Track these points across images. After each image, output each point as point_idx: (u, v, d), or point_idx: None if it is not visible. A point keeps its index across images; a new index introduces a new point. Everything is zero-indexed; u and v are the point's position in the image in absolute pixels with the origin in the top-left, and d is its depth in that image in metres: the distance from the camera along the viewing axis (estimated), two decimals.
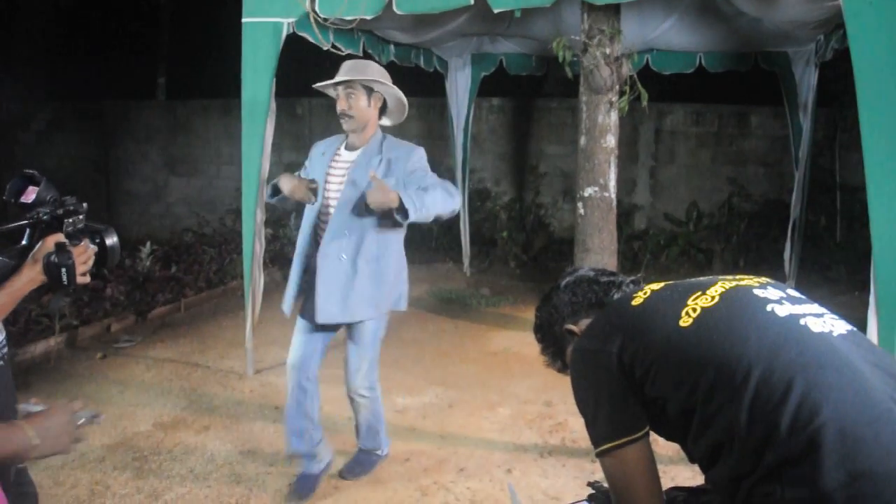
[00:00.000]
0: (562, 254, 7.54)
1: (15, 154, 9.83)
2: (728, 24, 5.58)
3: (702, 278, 1.58)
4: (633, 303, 1.54)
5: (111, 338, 5.26)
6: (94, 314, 5.40)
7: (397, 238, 3.09)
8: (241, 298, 5.27)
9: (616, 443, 1.46)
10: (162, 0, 11.14)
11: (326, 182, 3.07)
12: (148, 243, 6.40)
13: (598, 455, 1.51)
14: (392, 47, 5.59)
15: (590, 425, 1.53)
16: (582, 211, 4.84)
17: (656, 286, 1.58)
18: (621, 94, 4.67)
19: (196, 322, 5.76)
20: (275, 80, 4.22)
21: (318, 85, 3.14)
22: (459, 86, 6.94)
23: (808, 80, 6.06)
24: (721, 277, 1.55)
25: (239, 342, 4.84)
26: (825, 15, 4.44)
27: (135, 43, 11.85)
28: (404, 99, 3.11)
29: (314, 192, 3.00)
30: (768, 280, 1.55)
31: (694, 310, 1.43)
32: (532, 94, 9.06)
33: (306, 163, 3.24)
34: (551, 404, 4.13)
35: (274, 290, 6.51)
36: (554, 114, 8.65)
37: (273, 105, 4.28)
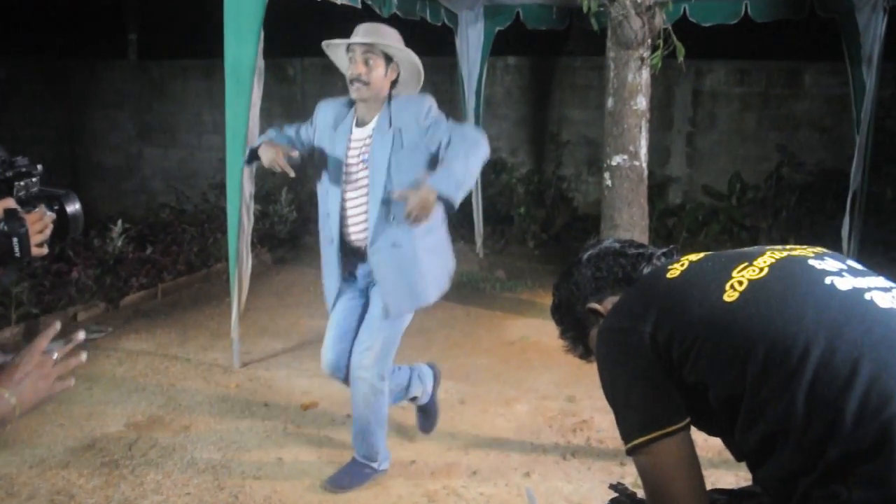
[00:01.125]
0: (586, 232, 7.50)
1: None
2: None
3: (747, 248, 1.55)
4: (669, 275, 1.51)
5: (77, 328, 5.27)
6: (56, 301, 5.42)
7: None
8: (225, 283, 5.29)
9: (650, 436, 1.43)
10: None
11: (346, 165, 3.16)
12: (119, 221, 6.41)
13: (630, 452, 1.47)
14: None
15: (620, 417, 1.50)
16: (609, 182, 4.82)
17: (695, 257, 1.55)
18: (654, 49, 4.64)
19: (175, 310, 5.78)
20: (262, 35, 4.18)
21: (329, 42, 3.18)
22: (471, 42, 6.89)
23: (874, 29, 5.91)
24: (769, 247, 1.52)
25: (224, 332, 4.86)
26: None
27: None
28: (422, 71, 3.17)
29: (294, 165, 3.07)
30: (825, 250, 1.51)
31: (740, 282, 1.40)
32: (553, 52, 8.99)
33: (311, 122, 3.29)
34: (574, 400, 4.13)
35: (263, 273, 6.56)
36: (578, 74, 8.59)
37: (261, 64, 4.26)
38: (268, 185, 7.73)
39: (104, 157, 10.14)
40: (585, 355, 1.75)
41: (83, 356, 1.47)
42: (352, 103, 3.20)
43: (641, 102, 4.69)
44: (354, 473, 3.34)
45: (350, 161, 3.16)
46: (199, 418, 4.00)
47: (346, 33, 3.20)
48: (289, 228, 7.52)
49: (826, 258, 1.46)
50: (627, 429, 1.47)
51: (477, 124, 7.08)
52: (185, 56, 9.88)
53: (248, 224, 4.53)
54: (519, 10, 6.86)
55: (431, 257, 3.19)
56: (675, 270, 1.52)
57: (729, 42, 7.57)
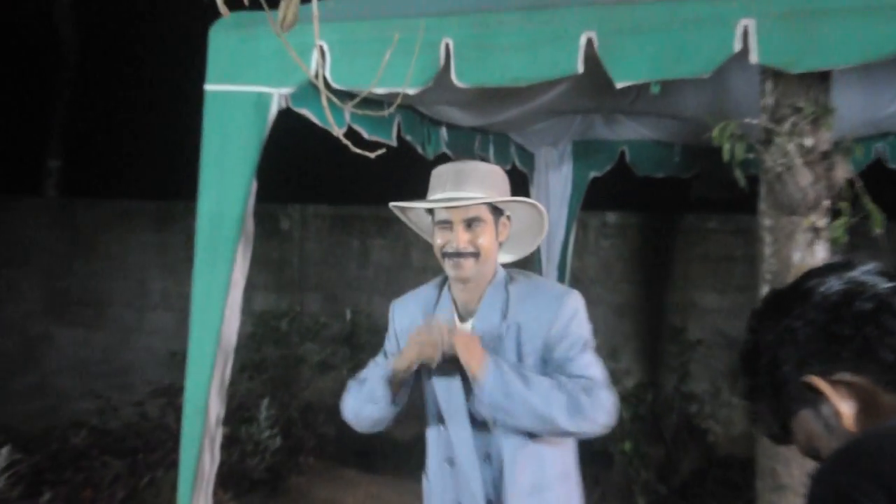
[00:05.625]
0: (730, 485, 7.41)
1: None
2: None
3: None
4: None
5: None
6: None
7: None
8: None
9: None
10: (63, 38, 11.69)
11: None
12: (4, 448, 6.30)
13: None
14: (443, 131, 5.62)
15: None
16: None
17: None
18: (834, 213, 4.69)
19: None
20: (255, 182, 4.21)
21: (410, 204, 3.21)
22: (552, 192, 7.13)
23: None
24: None
25: None
26: None
27: (16, 107, 12.41)
28: (546, 222, 3.22)
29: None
30: None
31: None
32: (673, 208, 9.20)
33: (388, 337, 3.34)
34: None
35: None
36: (711, 239, 8.70)
37: (250, 224, 4.28)
38: (240, 394, 7.75)
39: None
40: (778, 438, 1.71)
41: None
42: (440, 287, 3.25)
43: None
44: None
45: None
46: None
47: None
48: (267, 463, 7.41)
49: None
50: None
51: None
52: (126, 195, 10.26)
53: (209, 465, 4.43)
54: (624, 149, 7.07)
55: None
56: None
57: None
